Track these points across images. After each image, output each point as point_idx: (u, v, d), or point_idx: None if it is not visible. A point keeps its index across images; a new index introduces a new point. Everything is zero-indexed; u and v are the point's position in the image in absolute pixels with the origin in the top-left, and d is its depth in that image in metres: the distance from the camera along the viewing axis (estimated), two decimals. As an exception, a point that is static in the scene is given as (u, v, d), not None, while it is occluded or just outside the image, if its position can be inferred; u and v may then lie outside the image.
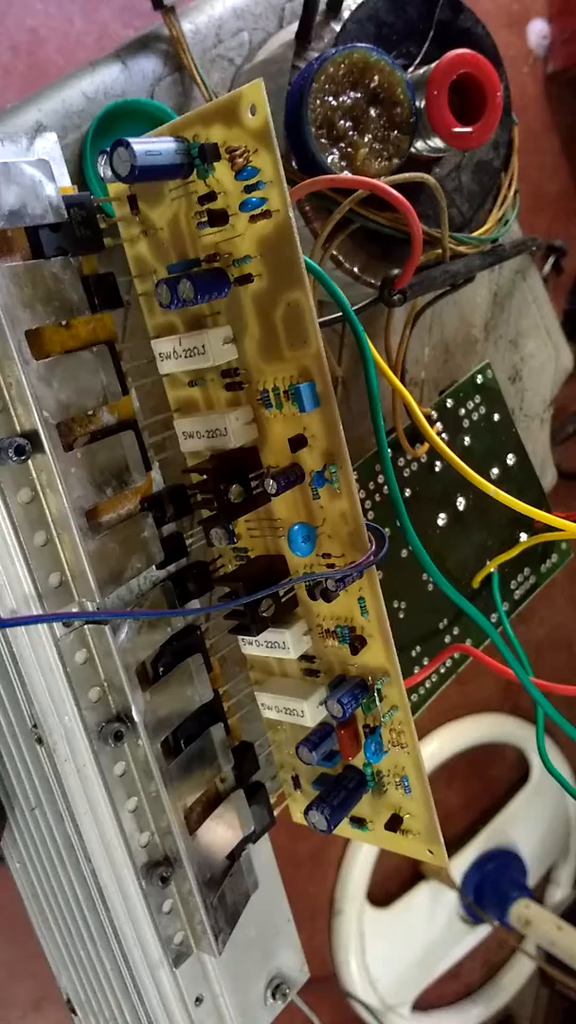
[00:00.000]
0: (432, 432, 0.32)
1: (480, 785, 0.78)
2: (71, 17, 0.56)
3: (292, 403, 0.26)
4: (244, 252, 0.25)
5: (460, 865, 0.74)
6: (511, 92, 0.35)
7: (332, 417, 0.25)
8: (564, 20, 0.70)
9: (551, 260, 0.73)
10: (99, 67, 0.33)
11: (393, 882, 0.72)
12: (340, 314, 0.26)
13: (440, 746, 0.72)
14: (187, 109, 0.34)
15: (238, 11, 0.35)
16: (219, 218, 0.25)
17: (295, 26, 0.33)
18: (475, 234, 0.34)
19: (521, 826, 0.79)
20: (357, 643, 0.28)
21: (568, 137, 0.73)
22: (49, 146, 0.26)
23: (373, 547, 0.26)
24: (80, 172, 0.32)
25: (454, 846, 0.75)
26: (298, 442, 0.26)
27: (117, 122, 0.32)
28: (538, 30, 0.70)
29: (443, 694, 0.40)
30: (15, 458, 0.24)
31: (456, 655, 0.39)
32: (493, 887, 0.75)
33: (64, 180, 0.26)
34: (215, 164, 0.25)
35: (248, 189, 0.24)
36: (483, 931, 0.77)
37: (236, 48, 0.35)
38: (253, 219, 0.25)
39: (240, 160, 0.24)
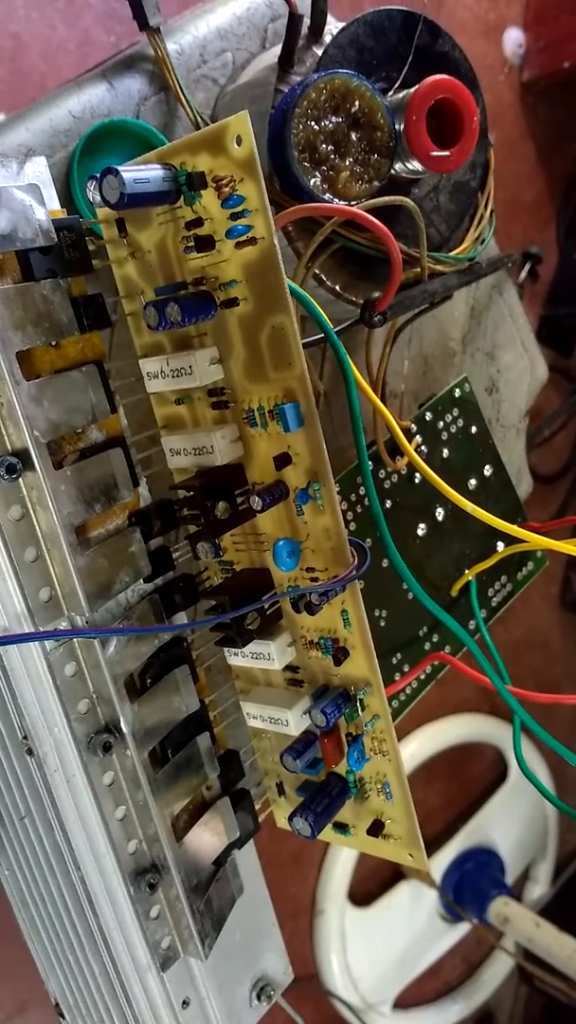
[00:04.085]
0: (411, 450, 0.32)
1: (459, 784, 0.79)
2: (53, 24, 0.56)
3: (277, 422, 0.26)
4: (230, 277, 0.26)
5: (440, 864, 0.75)
6: (487, 101, 0.35)
7: (316, 437, 0.26)
8: (539, 29, 0.71)
9: (527, 267, 0.74)
10: (85, 86, 0.33)
11: (374, 881, 0.73)
12: (322, 335, 0.27)
13: (420, 746, 0.73)
14: (173, 129, 0.35)
15: (222, 32, 0.36)
16: (206, 243, 0.26)
17: (278, 48, 0.33)
18: (453, 253, 0.35)
19: (500, 824, 0.79)
20: (340, 654, 0.28)
21: (543, 145, 0.74)
22: (39, 170, 0.27)
23: (355, 562, 0.27)
24: (67, 190, 0.32)
25: (433, 845, 0.75)
26: (283, 460, 0.27)
27: (104, 141, 0.33)
28: (514, 39, 0.71)
29: (423, 696, 0.40)
30: (6, 476, 0.25)
31: (436, 662, 0.40)
32: (472, 885, 0.76)
33: (53, 203, 0.27)
34: (202, 192, 0.25)
35: (234, 216, 0.25)
36: (463, 929, 0.78)
37: (220, 68, 0.36)
38: (239, 245, 0.25)
39: (226, 189, 0.25)
